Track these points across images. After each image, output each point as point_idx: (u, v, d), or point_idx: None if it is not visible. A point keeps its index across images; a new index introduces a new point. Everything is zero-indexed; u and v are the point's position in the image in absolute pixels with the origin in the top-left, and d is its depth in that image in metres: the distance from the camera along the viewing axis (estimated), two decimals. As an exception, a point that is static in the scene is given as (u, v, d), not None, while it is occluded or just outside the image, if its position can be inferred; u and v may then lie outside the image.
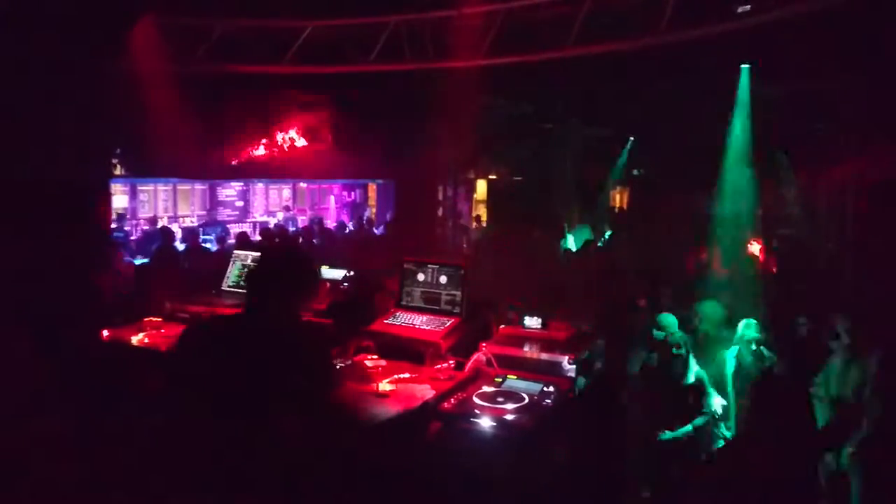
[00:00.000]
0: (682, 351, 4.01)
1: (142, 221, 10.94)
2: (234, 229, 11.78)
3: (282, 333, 2.12)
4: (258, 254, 3.24)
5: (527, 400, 2.43)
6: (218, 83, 8.09)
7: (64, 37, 4.59)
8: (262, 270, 2.25)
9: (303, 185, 14.49)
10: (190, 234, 9.86)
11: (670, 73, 7.62)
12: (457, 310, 3.04)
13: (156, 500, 2.31)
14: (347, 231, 12.30)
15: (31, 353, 3.74)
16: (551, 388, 2.52)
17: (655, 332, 4.35)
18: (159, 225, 10.32)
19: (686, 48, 6.00)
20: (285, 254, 2.41)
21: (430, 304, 3.10)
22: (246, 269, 3.67)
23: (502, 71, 7.19)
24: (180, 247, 8.80)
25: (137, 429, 2.72)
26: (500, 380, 2.62)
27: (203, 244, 9.55)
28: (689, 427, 3.93)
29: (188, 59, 7.29)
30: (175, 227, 10.74)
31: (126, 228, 10.50)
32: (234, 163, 10.85)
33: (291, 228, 11.98)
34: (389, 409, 2.35)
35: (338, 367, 2.39)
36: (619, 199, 14.95)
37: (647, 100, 9.08)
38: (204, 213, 12.21)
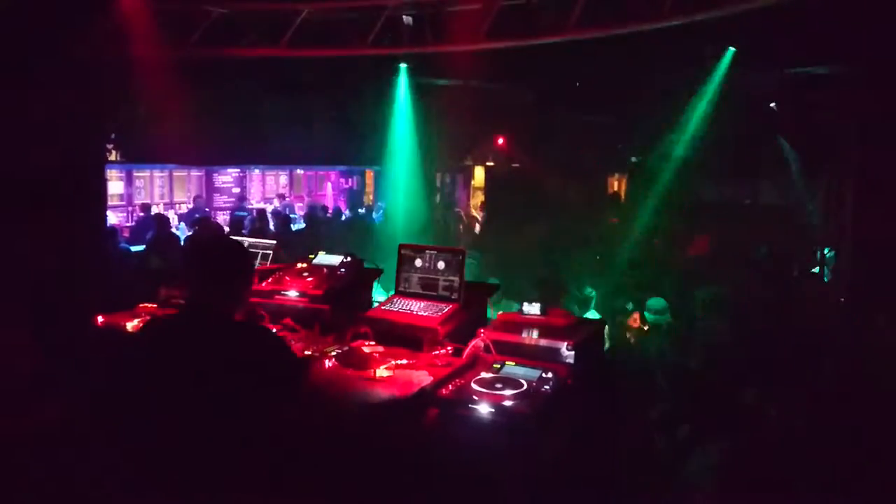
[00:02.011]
0: None
1: (137, 208, 10.84)
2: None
3: (220, 332, 2.08)
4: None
5: (525, 386, 2.41)
6: (214, 67, 8.01)
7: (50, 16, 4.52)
8: (189, 262, 2.25)
9: (300, 171, 14.41)
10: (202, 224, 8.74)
11: (672, 57, 7.56)
12: (455, 296, 3.02)
13: (152, 489, 2.29)
14: (344, 218, 12.25)
15: (30, 341, 3.72)
16: (550, 375, 2.49)
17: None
18: (153, 212, 10.23)
19: (689, 32, 5.94)
20: (210, 243, 2.34)
21: (428, 290, 3.08)
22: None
23: (501, 55, 7.11)
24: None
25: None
26: (499, 366, 2.60)
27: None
28: None
29: (183, 44, 7.20)
30: (171, 214, 10.68)
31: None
32: (230, 148, 10.76)
33: (292, 215, 11.90)
34: (386, 396, 2.33)
35: (295, 357, 2.32)
36: (616, 185, 14.91)
37: (648, 85, 9.02)
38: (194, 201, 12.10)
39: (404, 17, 6.86)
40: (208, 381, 2.00)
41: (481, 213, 13.26)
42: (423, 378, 2.44)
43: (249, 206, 12.19)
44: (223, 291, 2.12)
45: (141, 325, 2.97)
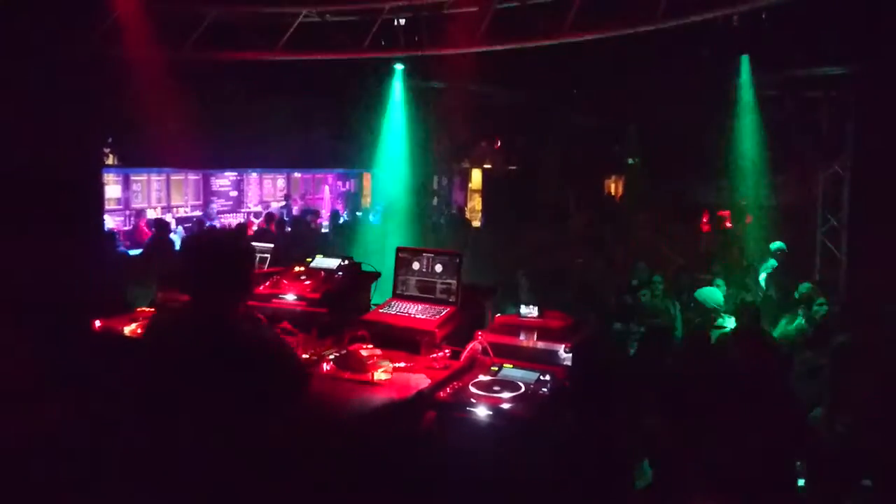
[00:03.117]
0: None
1: (134, 214, 10.79)
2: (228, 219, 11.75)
3: (219, 332, 2.04)
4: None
5: (523, 389, 2.41)
6: (211, 70, 8.02)
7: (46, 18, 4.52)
8: (186, 265, 2.14)
9: (297, 175, 14.39)
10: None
11: (668, 60, 7.58)
12: (452, 298, 3.02)
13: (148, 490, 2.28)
14: (341, 221, 12.23)
15: (29, 346, 3.71)
16: (548, 377, 2.49)
17: None
18: (149, 216, 10.21)
19: (683, 34, 5.97)
20: (207, 244, 2.24)
21: (426, 293, 3.08)
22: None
23: (498, 58, 7.13)
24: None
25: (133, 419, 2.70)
26: (496, 369, 2.60)
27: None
28: None
29: (180, 47, 7.21)
30: (169, 217, 10.66)
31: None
32: (227, 151, 10.77)
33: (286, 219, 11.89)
34: (384, 399, 2.33)
35: (296, 361, 2.30)
36: (613, 187, 14.93)
37: (644, 87, 9.04)
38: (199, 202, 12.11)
39: (398, 20, 6.88)
40: (205, 381, 1.99)
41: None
42: (421, 381, 2.44)
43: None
44: (221, 291, 2.08)
45: (143, 324, 2.97)
